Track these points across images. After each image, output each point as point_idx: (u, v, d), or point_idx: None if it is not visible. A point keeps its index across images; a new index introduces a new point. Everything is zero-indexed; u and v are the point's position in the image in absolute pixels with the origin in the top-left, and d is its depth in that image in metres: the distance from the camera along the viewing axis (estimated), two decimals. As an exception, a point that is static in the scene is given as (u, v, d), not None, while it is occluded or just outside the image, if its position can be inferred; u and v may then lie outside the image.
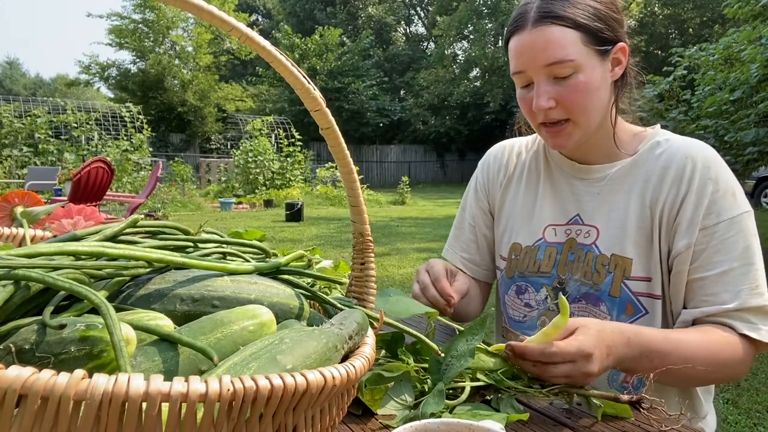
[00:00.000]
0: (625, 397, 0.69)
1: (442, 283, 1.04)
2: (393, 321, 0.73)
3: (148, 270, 0.61)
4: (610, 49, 0.98)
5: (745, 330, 0.91)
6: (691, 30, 22.70)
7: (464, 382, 0.76)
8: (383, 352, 0.82)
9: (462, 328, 0.90)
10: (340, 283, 0.80)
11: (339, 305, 0.68)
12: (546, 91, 0.96)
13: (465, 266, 1.25)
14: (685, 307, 0.98)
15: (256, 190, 13.75)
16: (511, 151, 1.24)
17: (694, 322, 0.96)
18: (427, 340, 0.74)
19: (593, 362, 0.76)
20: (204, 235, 0.73)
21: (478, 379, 0.77)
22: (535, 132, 1.12)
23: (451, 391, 0.75)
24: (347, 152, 0.65)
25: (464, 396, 0.73)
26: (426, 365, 0.79)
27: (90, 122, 13.51)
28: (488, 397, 0.75)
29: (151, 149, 14.11)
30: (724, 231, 0.94)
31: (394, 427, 0.56)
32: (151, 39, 23.16)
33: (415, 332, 0.74)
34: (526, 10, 0.98)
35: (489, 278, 1.29)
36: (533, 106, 0.98)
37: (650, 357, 0.86)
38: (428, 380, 0.77)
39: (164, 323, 0.53)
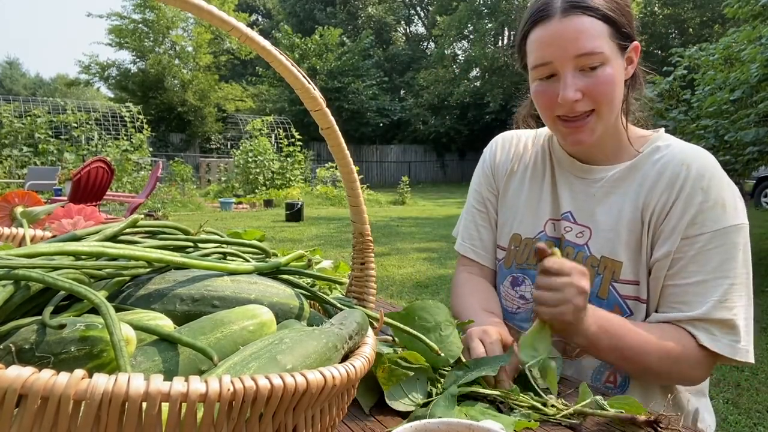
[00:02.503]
0: (642, 418, 0.69)
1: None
2: (395, 322, 0.73)
3: (148, 270, 0.61)
4: (629, 45, 0.97)
5: (705, 340, 0.91)
6: (691, 30, 22.69)
7: (476, 388, 0.76)
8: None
9: None
10: (340, 283, 0.80)
11: (339, 305, 0.68)
12: (574, 83, 0.93)
13: (478, 255, 1.23)
14: (655, 311, 0.98)
15: (256, 190, 13.74)
16: (518, 142, 1.23)
17: None
18: (430, 342, 0.74)
19: (586, 280, 0.85)
20: (204, 235, 0.73)
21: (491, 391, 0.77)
22: (536, 127, 1.10)
23: (461, 398, 0.75)
24: (347, 152, 0.65)
25: (468, 389, 0.73)
26: (446, 371, 0.80)
27: (90, 122, 13.50)
28: (501, 409, 0.75)
29: (151, 149, 14.10)
30: (704, 243, 0.92)
31: (394, 428, 0.56)
32: (151, 39, 23.15)
33: (417, 334, 0.74)
34: (550, 0, 0.94)
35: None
36: (560, 98, 0.94)
37: (608, 333, 0.90)
38: (439, 384, 0.77)
39: (164, 323, 0.53)
